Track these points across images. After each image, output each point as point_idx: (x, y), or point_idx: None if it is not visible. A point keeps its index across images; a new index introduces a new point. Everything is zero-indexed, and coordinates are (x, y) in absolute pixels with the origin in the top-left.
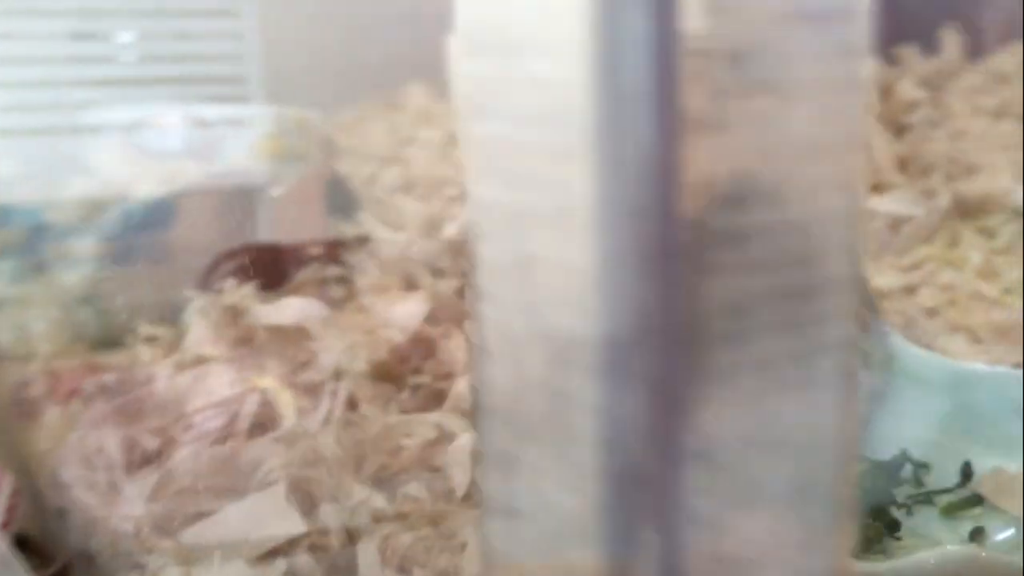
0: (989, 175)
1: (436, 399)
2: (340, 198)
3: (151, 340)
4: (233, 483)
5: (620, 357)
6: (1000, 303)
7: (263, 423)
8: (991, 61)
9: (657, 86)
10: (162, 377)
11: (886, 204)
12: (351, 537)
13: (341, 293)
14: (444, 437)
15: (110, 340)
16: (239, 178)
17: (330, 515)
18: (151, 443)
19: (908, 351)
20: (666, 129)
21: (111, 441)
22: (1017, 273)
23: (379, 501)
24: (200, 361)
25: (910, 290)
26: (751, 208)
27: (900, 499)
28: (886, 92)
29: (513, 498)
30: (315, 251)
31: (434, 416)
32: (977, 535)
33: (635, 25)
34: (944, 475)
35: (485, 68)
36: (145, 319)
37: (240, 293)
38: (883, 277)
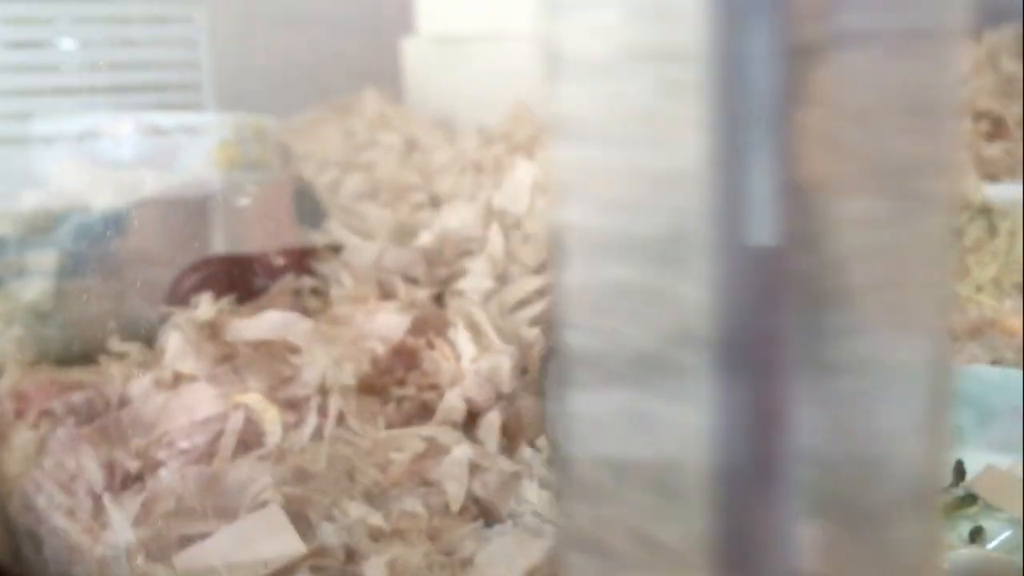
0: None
1: (422, 411)
2: (307, 206)
3: (121, 356)
4: (223, 504)
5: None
6: (972, 301)
7: (247, 440)
8: None
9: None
10: (139, 396)
11: None
12: (350, 556)
13: (315, 304)
14: (435, 450)
15: (75, 356)
16: (196, 187)
17: (329, 534)
18: (132, 465)
19: None
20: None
21: (90, 464)
22: (986, 272)
23: (376, 518)
24: (179, 378)
25: None
26: None
27: None
28: None
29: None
30: (283, 261)
31: (424, 430)
32: (977, 535)
33: (757, 45)
34: None
35: (584, 93)
36: (111, 334)
37: (216, 308)
38: None
